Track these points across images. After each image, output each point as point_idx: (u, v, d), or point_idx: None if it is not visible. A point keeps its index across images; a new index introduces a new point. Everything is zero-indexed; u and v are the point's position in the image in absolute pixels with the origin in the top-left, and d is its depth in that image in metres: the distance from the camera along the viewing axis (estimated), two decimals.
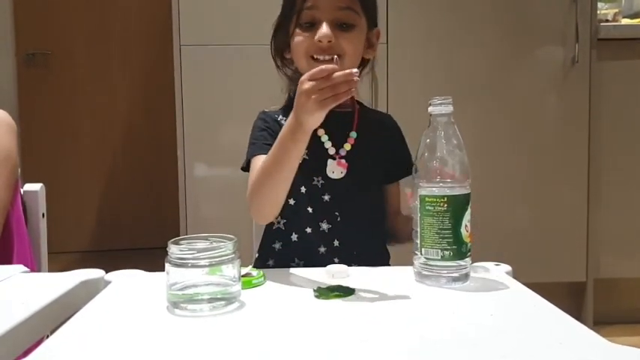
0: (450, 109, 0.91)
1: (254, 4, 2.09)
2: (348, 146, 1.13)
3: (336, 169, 1.12)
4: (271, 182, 1.01)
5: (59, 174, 3.62)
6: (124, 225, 3.74)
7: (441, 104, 0.91)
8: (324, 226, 1.12)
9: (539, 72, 2.28)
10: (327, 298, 0.83)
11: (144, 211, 3.73)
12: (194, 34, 2.17)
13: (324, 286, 0.86)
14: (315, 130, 1.08)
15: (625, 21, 2.47)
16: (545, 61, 2.28)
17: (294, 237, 1.13)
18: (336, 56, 1.01)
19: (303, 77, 0.92)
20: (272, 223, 1.14)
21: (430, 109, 0.92)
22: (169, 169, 2.48)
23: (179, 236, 2.39)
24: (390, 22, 2.21)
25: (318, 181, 1.12)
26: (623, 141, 2.35)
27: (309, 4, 1.07)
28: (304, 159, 1.11)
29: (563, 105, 2.30)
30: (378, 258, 1.17)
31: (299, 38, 1.09)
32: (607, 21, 2.41)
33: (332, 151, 1.13)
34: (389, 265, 1.21)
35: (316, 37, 1.06)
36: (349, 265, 1.08)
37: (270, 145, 1.02)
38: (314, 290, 0.84)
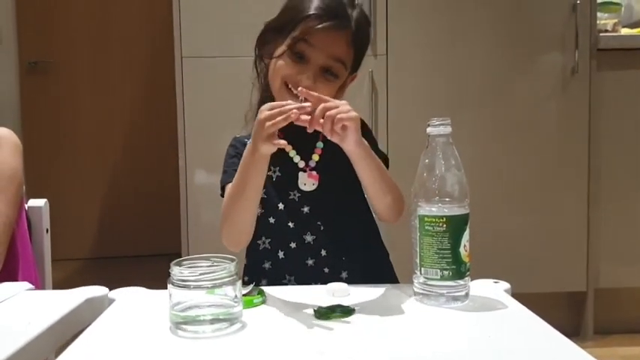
0: (448, 129, 0.92)
1: (254, 17, 2.09)
2: (316, 157, 1.15)
3: (307, 182, 1.14)
4: (237, 205, 1.04)
5: (61, 181, 3.64)
6: (126, 232, 3.75)
7: (439, 125, 0.92)
8: (309, 238, 1.13)
9: (539, 82, 2.29)
10: (328, 318, 0.84)
11: (146, 218, 3.75)
12: (195, 46, 2.19)
13: (324, 306, 0.87)
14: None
15: (624, 31, 2.48)
16: (545, 71, 2.29)
17: (281, 254, 1.14)
18: (303, 98, 0.99)
19: (264, 107, 0.96)
20: (258, 245, 1.15)
21: (429, 129, 0.93)
22: (171, 178, 2.49)
23: (180, 243, 2.37)
24: (389, 33, 2.22)
25: (295, 194, 1.14)
26: (623, 150, 2.36)
27: (309, 39, 1.07)
28: (277, 175, 1.14)
29: (563, 115, 2.31)
30: (372, 258, 1.18)
31: (283, 63, 1.09)
32: (606, 31, 2.42)
33: (301, 164, 1.14)
34: (389, 261, 1.22)
35: (300, 78, 1.07)
36: (340, 271, 1.11)
37: (232, 173, 1.07)
38: (314, 310, 0.85)
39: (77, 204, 3.69)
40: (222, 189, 1.14)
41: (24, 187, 1.21)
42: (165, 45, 2.64)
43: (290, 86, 1.08)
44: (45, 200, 1.28)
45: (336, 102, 0.97)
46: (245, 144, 1.16)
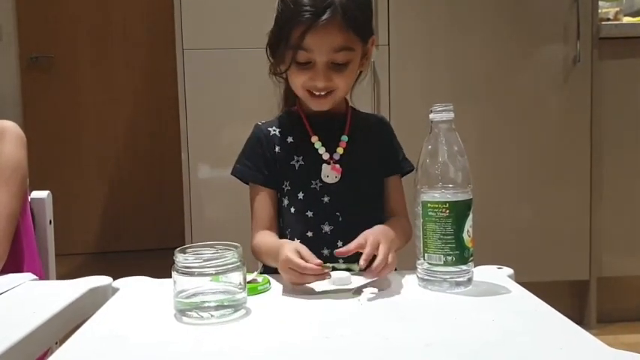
0: (451, 115, 0.92)
1: (256, 8, 2.10)
2: (340, 150, 1.16)
3: (330, 174, 1.15)
4: (262, 259, 1.12)
5: (63, 176, 3.64)
6: (130, 227, 3.76)
7: (442, 111, 0.92)
8: (327, 228, 1.14)
9: (540, 72, 2.29)
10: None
11: (149, 213, 3.75)
12: (197, 38, 2.18)
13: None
14: (309, 137, 1.16)
15: (626, 19, 2.47)
16: (546, 61, 2.28)
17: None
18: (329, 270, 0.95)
19: (286, 257, 0.93)
20: (286, 235, 1.16)
21: (431, 115, 0.93)
22: (173, 172, 2.49)
23: (184, 237, 2.37)
24: (391, 23, 2.22)
25: (316, 184, 1.15)
26: (626, 139, 2.36)
27: (305, 46, 1.06)
28: (300, 165, 1.15)
29: (565, 104, 2.30)
30: None
31: (295, 74, 1.11)
32: (608, 20, 2.41)
33: (326, 156, 1.15)
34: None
35: (314, 84, 1.09)
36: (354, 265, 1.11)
37: (256, 171, 1.15)
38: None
39: (80, 199, 3.69)
40: (235, 168, 1.19)
41: (27, 179, 1.22)
42: (166, 37, 2.64)
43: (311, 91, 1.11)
44: (48, 192, 1.28)
45: (378, 258, 0.95)
46: (267, 134, 1.18)
